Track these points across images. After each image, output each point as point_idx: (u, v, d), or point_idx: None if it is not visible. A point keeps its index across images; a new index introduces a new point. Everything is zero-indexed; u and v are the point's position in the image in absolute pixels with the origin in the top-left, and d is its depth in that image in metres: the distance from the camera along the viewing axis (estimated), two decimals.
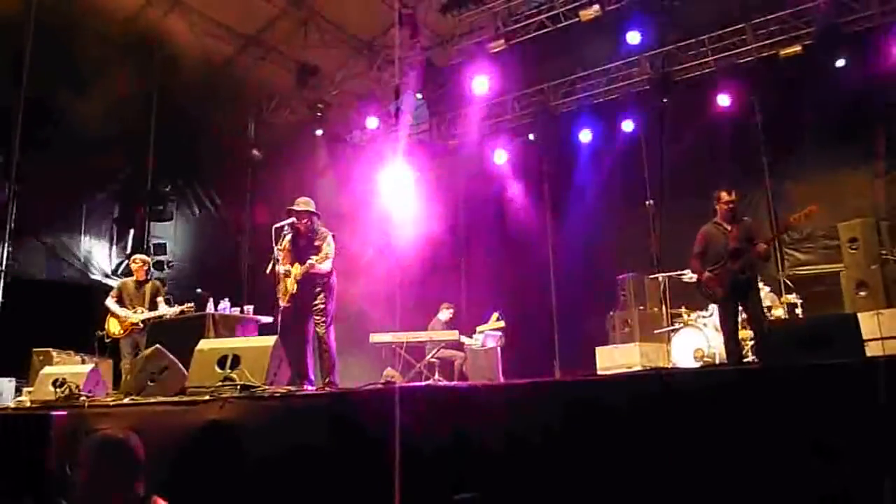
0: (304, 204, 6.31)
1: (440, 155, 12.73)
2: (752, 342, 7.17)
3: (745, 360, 6.98)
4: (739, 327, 6.59)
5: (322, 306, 6.12)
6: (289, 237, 6.26)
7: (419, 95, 11.60)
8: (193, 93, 10.48)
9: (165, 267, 9.89)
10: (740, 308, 6.45)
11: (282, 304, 6.12)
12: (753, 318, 6.42)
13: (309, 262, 6.04)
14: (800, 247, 9.60)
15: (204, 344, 5.11)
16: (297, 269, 6.09)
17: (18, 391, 6.85)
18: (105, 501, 2.70)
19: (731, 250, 6.34)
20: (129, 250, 9.87)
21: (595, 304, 10.18)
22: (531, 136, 11.62)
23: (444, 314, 9.94)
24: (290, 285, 6.09)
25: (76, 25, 9.09)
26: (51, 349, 7.87)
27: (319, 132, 12.01)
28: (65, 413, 4.41)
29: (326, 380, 5.99)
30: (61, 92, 8.94)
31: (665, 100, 10.29)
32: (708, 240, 6.53)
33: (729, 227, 6.46)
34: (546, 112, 11.47)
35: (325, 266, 6.10)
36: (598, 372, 8.70)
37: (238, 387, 4.44)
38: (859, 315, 4.74)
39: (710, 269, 6.41)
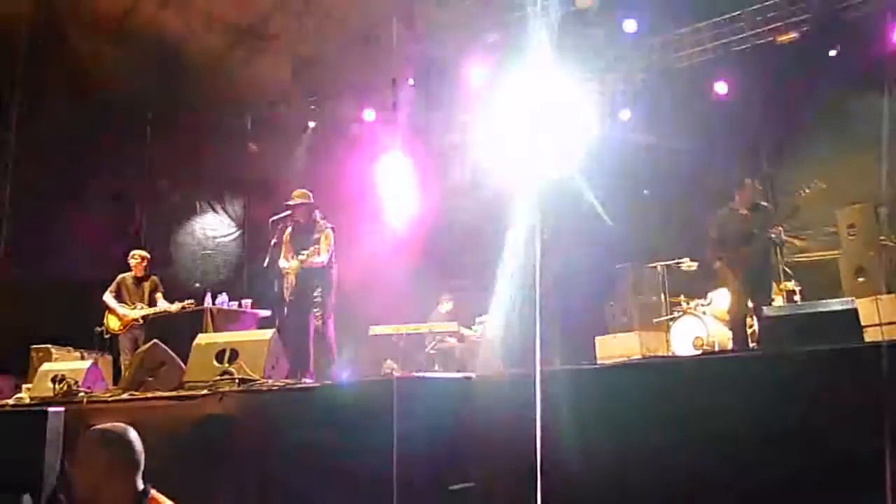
0: (300, 196, 6.30)
1: (438, 146, 12.69)
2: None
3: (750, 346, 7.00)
4: (747, 314, 6.61)
5: (320, 300, 6.13)
6: (288, 231, 6.26)
7: (411, 81, 11.48)
8: (189, 87, 10.44)
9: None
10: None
11: (287, 298, 6.13)
12: (760, 306, 6.43)
13: (300, 257, 6.04)
14: (798, 233, 9.59)
15: (202, 338, 5.10)
16: (294, 265, 6.10)
17: (17, 388, 6.84)
18: (104, 495, 2.70)
19: (744, 235, 6.37)
20: (127, 246, 9.84)
21: (594, 293, 10.17)
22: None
23: (445, 306, 9.94)
24: (291, 280, 6.10)
25: (72, 21, 9.05)
26: (49, 346, 7.88)
27: (314, 124, 11.97)
28: (63, 409, 4.41)
29: (325, 372, 6.00)
30: (58, 88, 8.91)
31: (662, 88, 10.26)
32: (724, 225, 6.56)
33: (745, 212, 6.49)
34: None
35: (321, 259, 6.09)
36: (598, 361, 8.70)
37: (236, 381, 4.44)
38: (858, 301, 4.73)
39: (722, 254, 6.44)
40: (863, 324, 4.28)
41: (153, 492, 2.74)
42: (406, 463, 3.38)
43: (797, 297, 7.99)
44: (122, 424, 2.91)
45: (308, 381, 5.59)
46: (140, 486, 2.72)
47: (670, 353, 8.06)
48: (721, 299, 7.74)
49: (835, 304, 4.33)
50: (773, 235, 6.35)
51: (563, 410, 3.39)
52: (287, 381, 4.72)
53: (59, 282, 9.11)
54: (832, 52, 9.02)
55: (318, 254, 6.10)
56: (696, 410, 3.19)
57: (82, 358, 7.57)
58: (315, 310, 6.11)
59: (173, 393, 4.58)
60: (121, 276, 7.87)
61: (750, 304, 6.63)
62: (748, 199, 6.56)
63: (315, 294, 6.13)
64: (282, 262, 6.18)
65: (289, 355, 5.17)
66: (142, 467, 2.77)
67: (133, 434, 2.83)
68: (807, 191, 6.43)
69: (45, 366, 6.03)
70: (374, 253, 11.02)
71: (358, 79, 11.83)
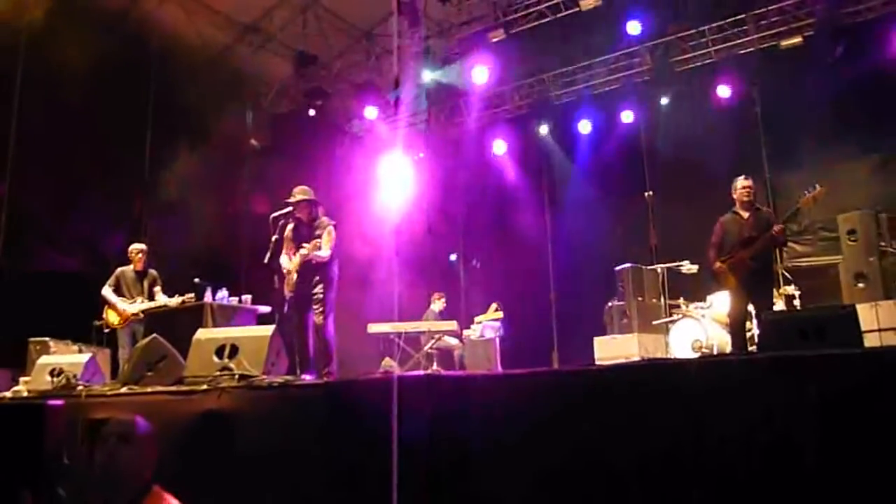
0: (301, 193, 6.28)
1: (439, 144, 12.70)
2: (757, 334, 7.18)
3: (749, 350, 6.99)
4: (747, 318, 6.60)
5: (321, 296, 6.11)
6: (290, 228, 6.23)
7: (426, 77, 11.39)
8: (191, 82, 10.41)
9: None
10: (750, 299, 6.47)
11: (287, 294, 6.13)
12: (761, 310, 6.42)
13: (301, 252, 6.03)
14: (798, 238, 9.60)
15: (202, 333, 5.08)
16: (296, 261, 6.09)
17: (15, 381, 6.84)
18: (116, 487, 2.69)
19: (744, 239, 6.35)
20: (127, 240, 9.82)
21: (593, 294, 10.17)
22: (544, 129, 11.48)
23: (437, 304, 9.95)
24: (293, 277, 6.10)
25: (72, 15, 9.02)
26: (48, 339, 7.87)
27: (314, 115, 11.93)
28: (62, 402, 4.40)
29: (325, 370, 5.99)
30: (56, 82, 8.88)
31: (665, 90, 10.27)
32: (725, 229, 6.55)
33: (745, 216, 6.47)
34: (546, 102, 11.43)
35: (321, 254, 6.07)
36: (597, 362, 8.70)
37: (236, 376, 4.42)
38: (857, 306, 4.72)
39: (722, 258, 6.43)
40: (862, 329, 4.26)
41: (156, 487, 2.75)
42: (405, 460, 3.38)
43: (797, 302, 8.01)
44: (138, 417, 2.92)
45: (308, 377, 5.59)
46: (147, 479, 2.73)
47: (669, 356, 8.06)
48: (721, 303, 7.73)
49: (834, 310, 4.32)
50: (774, 233, 6.28)
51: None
52: (287, 377, 4.72)
53: (58, 274, 9.11)
54: (836, 56, 9.02)
55: (320, 248, 6.07)
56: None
57: (80, 351, 7.56)
58: (315, 306, 6.10)
59: (172, 388, 4.56)
60: (120, 269, 7.84)
61: (750, 308, 6.62)
62: (742, 197, 6.53)
63: (315, 290, 6.11)
64: (283, 261, 6.17)
65: (289, 352, 5.16)
66: (155, 459, 2.79)
67: (150, 427, 2.85)
68: (807, 194, 6.37)
69: (43, 359, 6.01)
70: (374, 250, 11.03)
71: (360, 76, 11.84)
